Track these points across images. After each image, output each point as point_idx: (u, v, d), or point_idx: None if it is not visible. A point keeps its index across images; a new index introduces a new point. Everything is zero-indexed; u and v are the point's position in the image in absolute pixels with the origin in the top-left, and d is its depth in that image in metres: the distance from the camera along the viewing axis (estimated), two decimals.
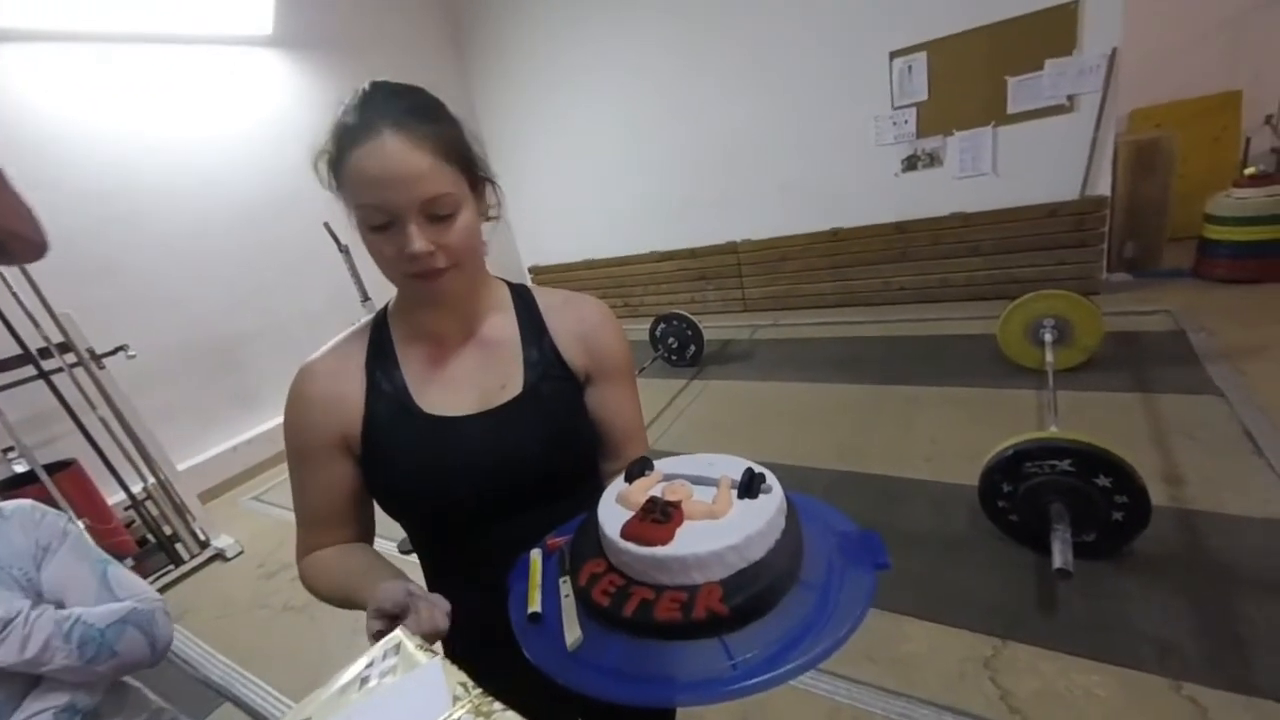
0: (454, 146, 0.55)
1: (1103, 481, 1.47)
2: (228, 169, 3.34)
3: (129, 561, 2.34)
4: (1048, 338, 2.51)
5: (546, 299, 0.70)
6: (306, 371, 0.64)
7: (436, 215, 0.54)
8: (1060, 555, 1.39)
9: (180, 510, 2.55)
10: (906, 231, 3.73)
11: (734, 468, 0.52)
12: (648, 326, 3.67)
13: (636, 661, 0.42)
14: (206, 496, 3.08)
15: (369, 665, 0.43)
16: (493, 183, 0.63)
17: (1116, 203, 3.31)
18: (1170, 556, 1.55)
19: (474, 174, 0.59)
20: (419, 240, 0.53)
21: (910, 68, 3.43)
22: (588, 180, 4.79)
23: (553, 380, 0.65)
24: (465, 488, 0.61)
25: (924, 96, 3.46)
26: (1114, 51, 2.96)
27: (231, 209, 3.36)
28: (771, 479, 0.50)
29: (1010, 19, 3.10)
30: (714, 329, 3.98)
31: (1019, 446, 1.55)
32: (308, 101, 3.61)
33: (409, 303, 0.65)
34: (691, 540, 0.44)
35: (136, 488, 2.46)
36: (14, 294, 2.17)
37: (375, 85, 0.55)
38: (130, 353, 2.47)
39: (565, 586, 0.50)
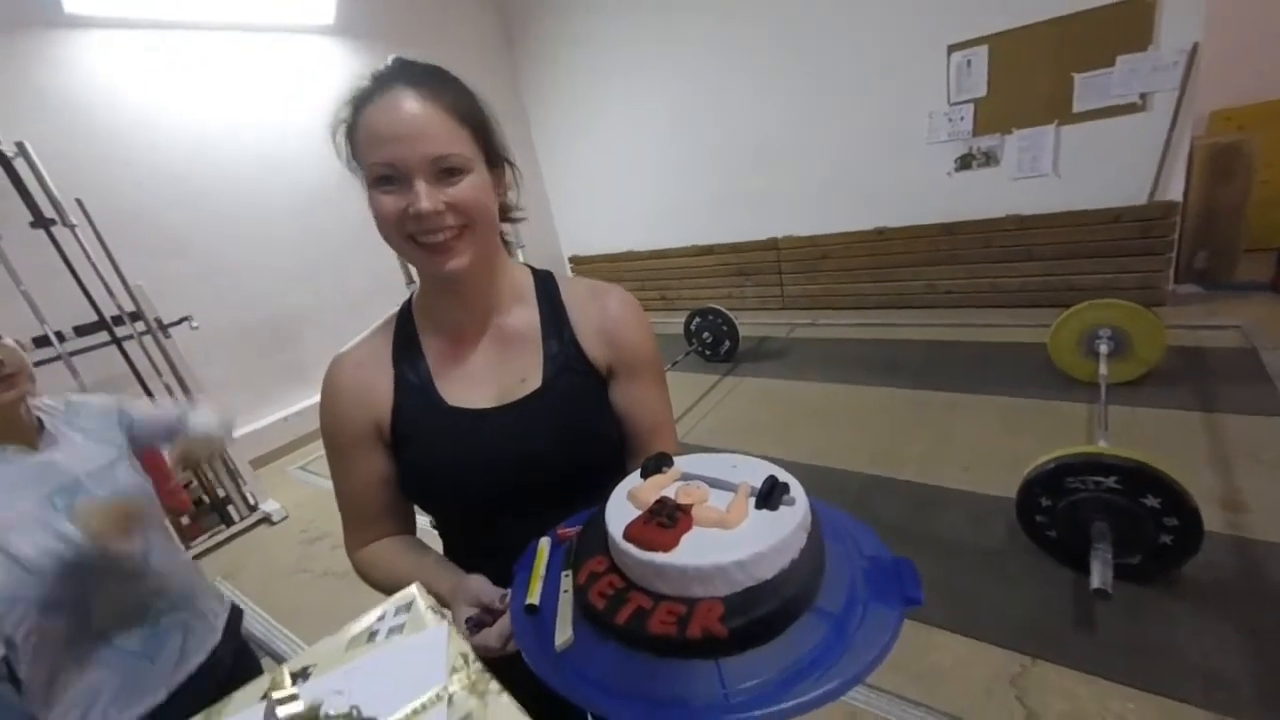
0: (470, 112, 0.55)
1: (1151, 502, 1.40)
2: (287, 154, 3.47)
3: (184, 520, 2.50)
4: (1103, 349, 2.39)
5: (570, 289, 0.68)
6: (337, 363, 0.65)
7: (446, 173, 0.52)
8: (1099, 575, 1.33)
9: (233, 474, 2.70)
10: (956, 233, 3.60)
11: (757, 473, 0.49)
12: (683, 320, 3.66)
13: (624, 674, 0.39)
14: (258, 463, 3.24)
15: (380, 619, 0.45)
16: (510, 164, 0.62)
17: (1189, 209, 3.11)
18: (1224, 585, 1.46)
19: (490, 147, 0.58)
20: (426, 197, 0.51)
21: (969, 62, 3.28)
22: (629, 173, 4.79)
23: (572, 374, 0.64)
24: (485, 481, 0.61)
25: (983, 92, 3.31)
26: (1195, 47, 2.76)
27: (289, 193, 3.50)
28: (797, 490, 0.47)
29: (1079, 11, 2.93)
30: (750, 325, 3.94)
31: (1061, 460, 1.49)
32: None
33: (430, 293, 0.65)
34: (695, 550, 0.41)
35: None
36: (93, 264, 2.33)
37: (396, 59, 0.56)
38: (194, 324, 2.62)
39: (566, 581, 0.48)
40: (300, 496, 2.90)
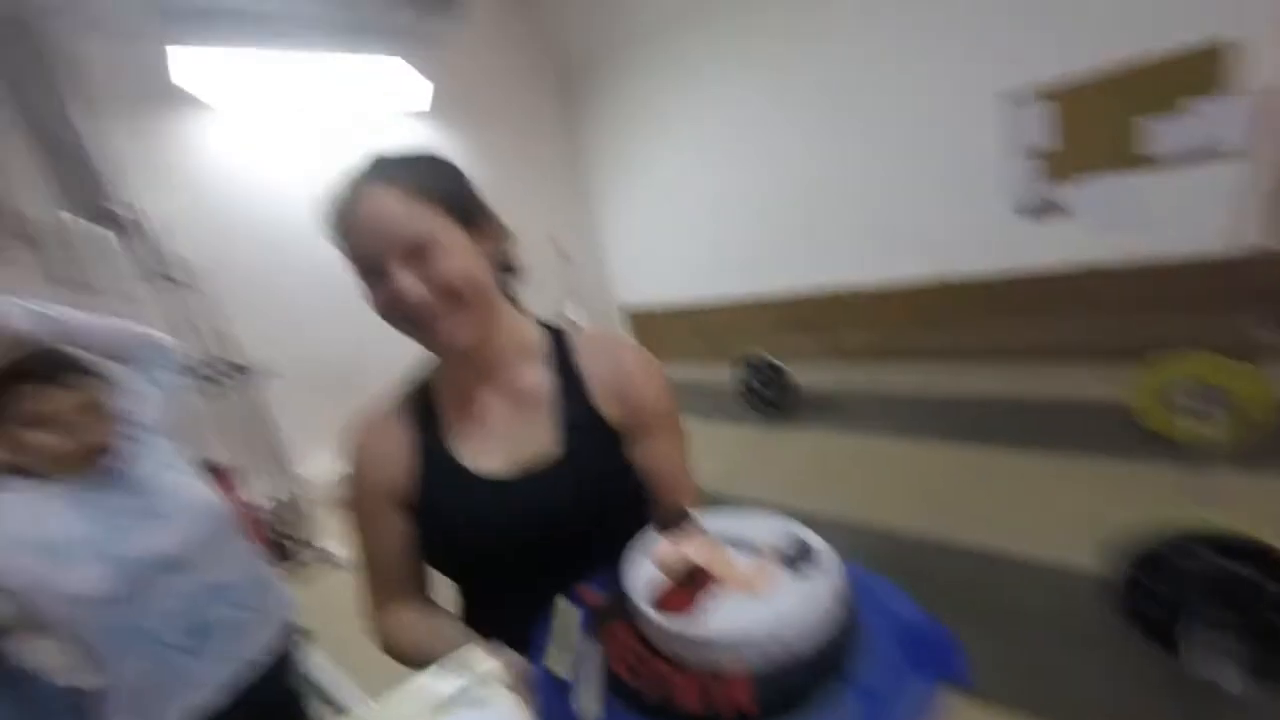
0: (433, 186, 0.56)
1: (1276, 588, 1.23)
2: None
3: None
4: (1198, 408, 2.18)
5: (582, 344, 0.67)
6: (359, 425, 0.67)
7: (419, 253, 0.53)
8: (1221, 672, 1.16)
9: (303, 515, 2.85)
10: (1025, 283, 3.44)
11: (783, 534, 0.47)
12: (734, 369, 3.63)
13: None
14: (328, 504, 3.40)
15: (458, 688, 0.44)
16: (495, 224, 0.62)
17: None
18: None
19: (467, 211, 0.58)
20: (408, 287, 0.53)
21: (1032, 107, 3.22)
22: (682, 221, 4.90)
23: (591, 439, 0.63)
24: (506, 549, 0.61)
25: (1048, 138, 3.22)
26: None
27: None
28: (827, 553, 0.45)
29: (1151, 53, 2.84)
30: (804, 376, 3.85)
31: (1169, 534, 1.34)
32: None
33: (441, 360, 0.65)
34: (720, 615, 0.40)
35: (273, 490, 2.78)
36: (187, 316, 2.59)
37: (372, 156, 0.58)
38: (278, 373, 2.84)
39: (588, 647, 0.47)
40: None
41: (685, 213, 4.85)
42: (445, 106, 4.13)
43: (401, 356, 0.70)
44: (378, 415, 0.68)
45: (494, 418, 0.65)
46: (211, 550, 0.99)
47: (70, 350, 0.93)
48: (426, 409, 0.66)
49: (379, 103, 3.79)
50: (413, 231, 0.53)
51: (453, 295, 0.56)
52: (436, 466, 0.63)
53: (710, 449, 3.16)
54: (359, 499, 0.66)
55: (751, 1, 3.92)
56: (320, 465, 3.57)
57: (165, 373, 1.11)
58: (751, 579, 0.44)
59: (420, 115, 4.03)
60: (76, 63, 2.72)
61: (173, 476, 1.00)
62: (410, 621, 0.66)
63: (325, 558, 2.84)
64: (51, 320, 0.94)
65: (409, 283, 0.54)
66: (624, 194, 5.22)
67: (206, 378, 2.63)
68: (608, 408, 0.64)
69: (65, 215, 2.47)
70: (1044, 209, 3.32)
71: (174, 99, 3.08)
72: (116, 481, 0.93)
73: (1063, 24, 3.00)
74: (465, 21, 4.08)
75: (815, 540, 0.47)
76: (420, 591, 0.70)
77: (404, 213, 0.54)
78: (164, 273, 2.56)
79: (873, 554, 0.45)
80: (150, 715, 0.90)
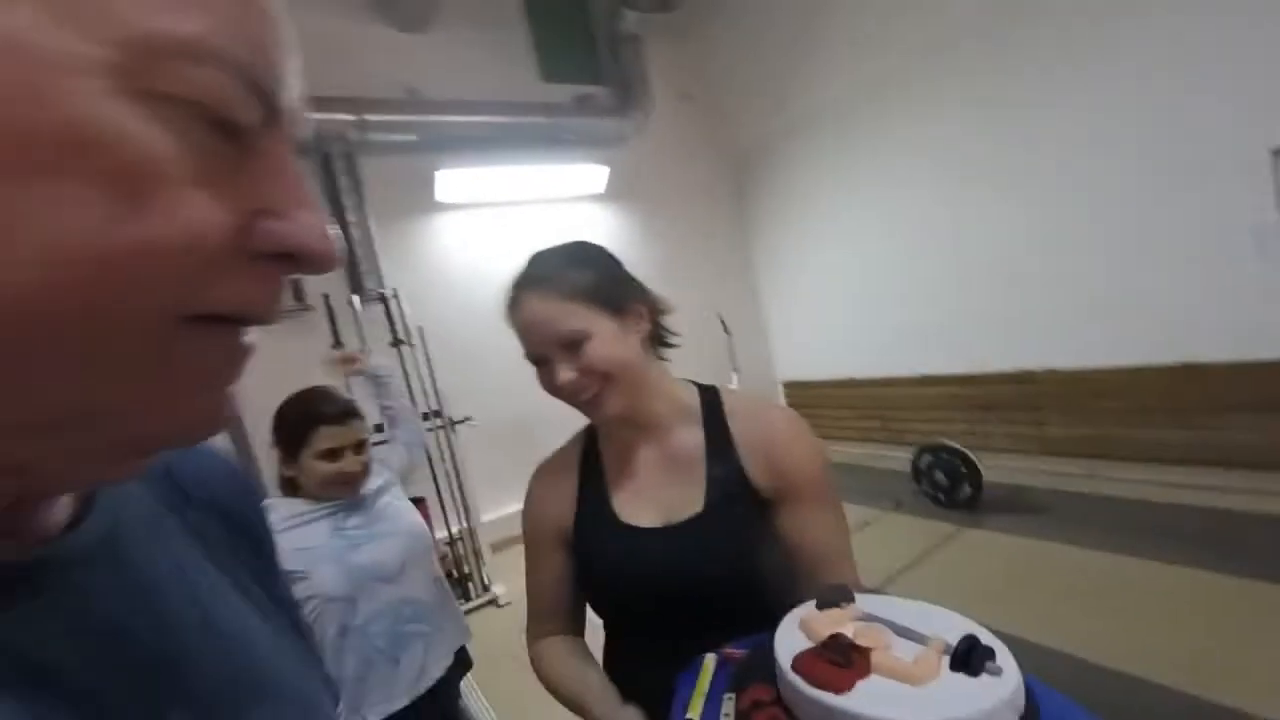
0: (582, 289, 0.65)
1: None
2: None
3: None
4: None
5: (734, 407, 0.70)
6: (536, 471, 0.78)
7: (574, 346, 0.63)
8: None
9: (477, 555, 3.15)
10: None
11: (954, 629, 0.44)
12: (910, 455, 3.31)
13: None
14: (497, 547, 3.73)
15: None
16: (646, 303, 0.70)
17: None
18: None
19: (616, 303, 0.66)
20: (563, 372, 0.63)
21: None
22: (851, 296, 4.73)
23: (735, 498, 0.65)
24: (647, 596, 0.65)
25: None
26: None
27: None
28: (1005, 657, 0.41)
29: None
30: (997, 469, 3.36)
31: None
32: (624, 239, 4.54)
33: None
34: (874, 700, 0.38)
35: (454, 528, 3.14)
36: (419, 374, 3.12)
37: (530, 257, 0.70)
38: (474, 422, 3.27)
39: (728, 705, 0.47)
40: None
41: (856, 290, 4.69)
42: (620, 190, 4.60)
43: (574, 416, 0.80)
44: (552, 462, 0.79)
45: (648, 474, 0.71)
46: (413, 568, 1.17)
47: (351, 400, 1.21)
48: (593, 461, 0.75)
49: (564, 189, 4.36)
50: (566, 329, 0.64)
51: (601, 376, 0.64)
52: (593, 512, 0.71)
53: (878, 542, 2.87)
54: (530, 535, 0.77)
55: (928, 76, 3.85)
56: (497, 510, 3.94)
57: (415, 435, 1.57)
58: (911, 668, 0.42)
59: (596, 197, 4.54)
60: (361, 177, 3.61)
61: (397, 504, 1.24)
62: (558, 655, 0.73)
63: (491, 598, 3.08)
64: (390, 380, 1.56)
65: (564, 369, 0.64)
66: (791, 272, 5.24)
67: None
68: (755, 470, 0.66)
69: (353, 297, 3.21)
70: None
71: (428, 204, 3.89)
72: (360, 505, 1.17)
73: None
74: (646, 122, 4.61)
75: (991, 640, 0.43)
76: (575, 626, 0.76)
77: (558, 314, 0.64)
78: (400, 337, 3.17)
79: (1064, 683, 0.37)
80: (357, 712, 1.05)
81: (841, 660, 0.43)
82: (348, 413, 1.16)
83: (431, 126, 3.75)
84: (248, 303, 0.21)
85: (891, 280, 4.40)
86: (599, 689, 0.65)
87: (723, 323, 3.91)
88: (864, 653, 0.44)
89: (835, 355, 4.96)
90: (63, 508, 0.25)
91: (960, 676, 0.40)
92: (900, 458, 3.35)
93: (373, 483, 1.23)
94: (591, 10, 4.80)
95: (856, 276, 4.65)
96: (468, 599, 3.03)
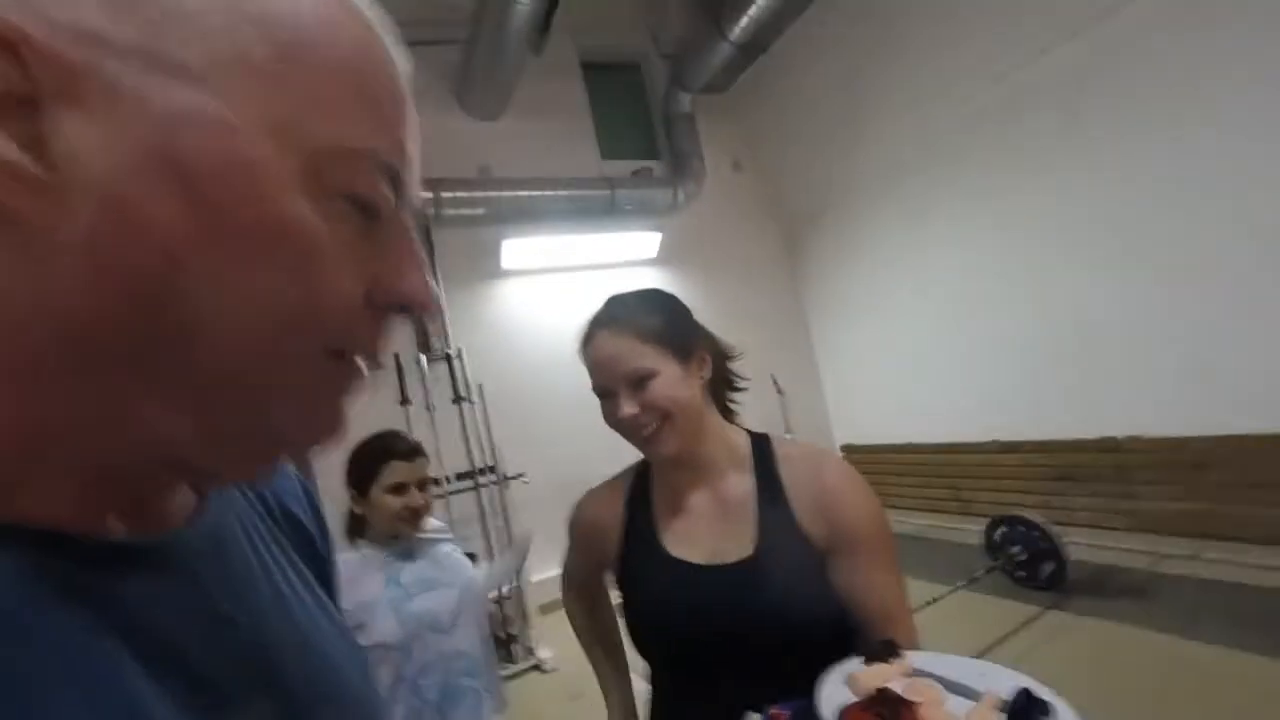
0: (653, 331, 0.69)
1: None
2: None
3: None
4: None
5: (787, 453, 0.71)
6: (581, 502, 0.82)
7: (640, 384, 0.67)
8: None
9: (524, 616, 3.11)
10: None
11: (1007, 684, 0.43)
12: (983, 528, 3.08)
13: None
14: (546, 609, 3.67)
15: None
16: (711, 348, 0.75)
17: None
18: None
19: (682, 348, 0.70)
20: (626, 406, 0.67)
21: None
22: (913, 359, 4.59)
23: (785, 545, 0.65)
24: (690, 631, 0.65)
25: None
26: None
27: None
28: (1065, 713, 0.40)
29: None
30: (1084, 547, 3.07)
31: None
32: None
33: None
34: None
35: (503, 588, 3.13)
36: (477, 430, 3.23)
37: (607, 299, 0.76)
38: (526, 479, 3.32)
39: None
40: (573, 651, 3.09)
41: (917, 353, 4.56)
42: (672, 255, 4.75)
43: (612, 471, 0.85)
44: (603, 490, 0.82)
45: (698, 514, 0.72)
46: (466, 622, 1.19)
47: (418, 441, 1.28)
48: (643, 495, 0.77)
49: (619, 255, 4.56)
50: (634, 367, 0.68)
51: (662, 415, 0.68)
52: (641, 544, 0.73)
53: (947, 621, 2.64)
54: (573, 563, 0.85)
55: (981, 137, 3.86)
56: (546, 571, 3.91)
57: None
58: None
59: (649, 262, 4.70)
60: (435, 246, 3.91)
61: (456, 556, 1.29)
62: (590, 609, 0.91)
63: (535, 664, 3.01)
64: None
65: (627, 404, 0.68)
66: (848, 334, 5.17)
67: (475, 480, 3.21)
68: (808, 519, 0.66)
69: (421, 356, 3.43)
70: None
71: (494, 270, 4.16)
72: (416, 552, 1.22)
73: None
74: (699, 191, 4.81)
75: (1048, 695, 0.41)
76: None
77: (628, 352, 0.69)
78: (461, 394, 3.31)
79: None
80: None
81: (889, 715, 0.42)
82: (415, 450, 1.23)
83: (499, 201, 4.06)
84: (369, 342, 0.27)
85: (956, 343, 4.25)
86: (616, 673, 0.85)
87: (775, 383, 3.88)
88: (912, 708, 0.42)
89: (897, 419, 4.77)
90: (186, 501, 0.30)
91: None
92: (971, 530, 3.13)
93: (433, 537, 1.28)
94: (648, 95, 5.18)
95: (917, 339, 4.53)
96: (512, 662, 2.97)
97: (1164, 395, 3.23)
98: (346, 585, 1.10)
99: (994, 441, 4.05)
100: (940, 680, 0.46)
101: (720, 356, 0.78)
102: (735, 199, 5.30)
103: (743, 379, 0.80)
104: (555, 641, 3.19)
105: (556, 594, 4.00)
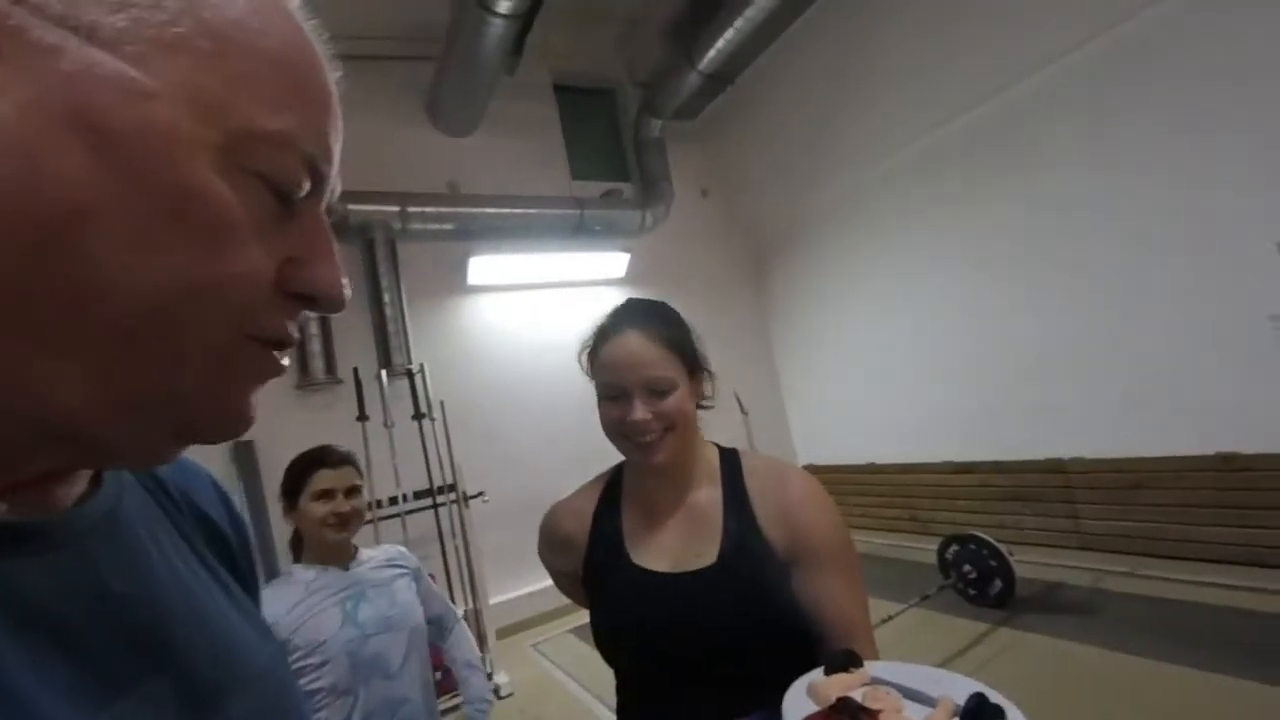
0: (677, 344, 0.71)
1: None
2: (575, 367, 4.40)
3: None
4: None
5: (753, 466, 0.73)
6: (551, 511, 0.81)
7: (656, 392, 0.67)
8: None
9: (482, 639, 3.02)
10: None
11: (963, 690, 0.44)
12: (936, 547, 3.16)
13: None
14: (503, 633, 3.57)
15: None
16: (708, 371, 0.76)
17: None
18: None
19: (692, 363, 0.72)
20: (640, 410, 0.67)
21: None
22: (873, 382, 4.73)
23: (749, 555, 0.66)
24: (654, 639, 0.65)
25: None
26: None
27: (574, 396, 4.33)
28: (1016, 717, 0.41)
29: None
30: (1032, 565, 3.18)
31: None
32: None
33: (634, 468, 0.77)
34: None
35: (460, 610, 3.04)
36: (436, 447, 3.16)
37: (629, 301, 0.76)
38: (486, 498, 3.25)
39: None
40: (530, 675, 3.04)
41: (879, 376, 4.70)
42: (639, 275, 4.80)
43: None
44: (573, 499, 0.82)
45: (667, 524, 0.73)
46: (413, 664, 1.16)
47: (351, 452, 1.25)
48: (612, 503, 0.78)
49: (587, 274, 4.58)
50: (657, 374, 0.68)
51: (668, 426, 0.69)
52: (608, 552, 0.73)
53: (901, 638, 2.69)
54: (547, 568, 0.83)
55: (940, 170, 4.07)
56: (504, 593, 3.81)
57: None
58: None
59: (617, 282, 4.73)
60: (400, 261, 3.85)
61: (410, 597, 1.23)
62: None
63: (492, 687, 2.91)
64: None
65: (641, 408, 0.68)
66: (811, 357, 5.30)
67: (434, 499, 3.12)
68: (770, 528, 0.68)
69: (382, 373, 3.34)
70: None
71: (460, 286, 4.12)
72: (371, 589, 1.17)
73: None
74: (667, 214, 4.89)
75: (1001, 700, 0.42)
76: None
77: (655, 359, 0.69)
78: (422, 410, 3.24)
79: None
80: None
81: None
82: (344, 459, 1.20)
83: (468, 217, 4.04)
84: (281, 330, 0.27)
85: (916, 367, 4.40)
86: None
87: (739, 402, 3.92)
88: (872, 715, 0.43)
89: (858, 441, 4.89)
90: (80, 483, 0.29)
91: None
92: (927, 549, 3.21)
93: (389, 569, 1.24)
94: (619, 119, 5.27)
95: (879, 362, 4.67)
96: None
97: (1106, 419, 3.42)
98: (300, 613, 1.05)
99: (949, 463, 4.19)
100: (898, 688, 0.47)
101: (708, 375, 0.80)
102: (703, 223, 5.42)
103: (709, 398, 0.81)
104: (514, 666, 3.10)
105: (515, 617, 3.93)
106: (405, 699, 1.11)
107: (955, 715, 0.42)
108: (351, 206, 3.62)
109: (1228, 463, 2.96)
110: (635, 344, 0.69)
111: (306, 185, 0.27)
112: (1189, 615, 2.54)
